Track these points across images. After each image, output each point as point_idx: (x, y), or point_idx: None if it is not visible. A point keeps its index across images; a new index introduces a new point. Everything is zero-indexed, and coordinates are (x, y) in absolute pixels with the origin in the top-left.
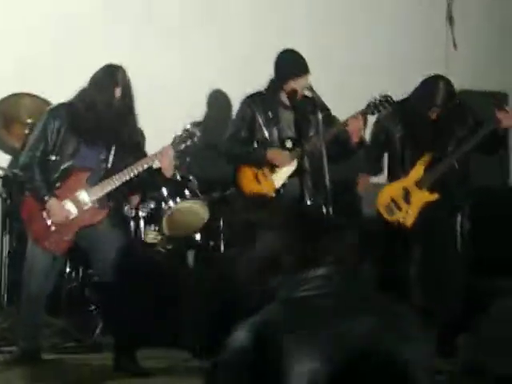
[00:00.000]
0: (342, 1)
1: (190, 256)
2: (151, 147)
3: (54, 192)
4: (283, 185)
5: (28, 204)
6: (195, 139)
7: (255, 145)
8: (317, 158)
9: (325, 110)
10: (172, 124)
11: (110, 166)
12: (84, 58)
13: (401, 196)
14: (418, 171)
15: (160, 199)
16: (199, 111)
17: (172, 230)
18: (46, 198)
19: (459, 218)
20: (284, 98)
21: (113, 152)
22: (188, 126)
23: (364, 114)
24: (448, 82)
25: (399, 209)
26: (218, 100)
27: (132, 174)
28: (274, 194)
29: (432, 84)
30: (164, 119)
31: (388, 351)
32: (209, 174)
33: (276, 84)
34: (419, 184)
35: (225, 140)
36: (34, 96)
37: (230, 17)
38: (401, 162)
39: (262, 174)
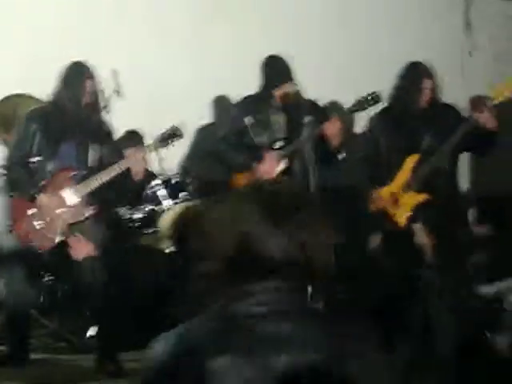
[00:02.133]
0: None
1: None
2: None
3: (41, 190)
4: None
5: (15, 204)
6: (176, 139)
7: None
8: (304, 160)
9: (315, 112)
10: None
11: (92, 163)
12: (88, 60)
13: (389, 202)
14: (403, 174)
15: (156, 201)
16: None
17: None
18: (35, 195)
19: None
20: (276, 100)
21: (91, 148)
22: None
23: (352, 111)
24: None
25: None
26: (222, 103)
27: (113, 175)
28: None
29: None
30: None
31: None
32: (210, 176)
33: (266, 89)
34: (406, 187)
35: (218, 142)
36: (35, 98)
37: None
38: (387, 166)
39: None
